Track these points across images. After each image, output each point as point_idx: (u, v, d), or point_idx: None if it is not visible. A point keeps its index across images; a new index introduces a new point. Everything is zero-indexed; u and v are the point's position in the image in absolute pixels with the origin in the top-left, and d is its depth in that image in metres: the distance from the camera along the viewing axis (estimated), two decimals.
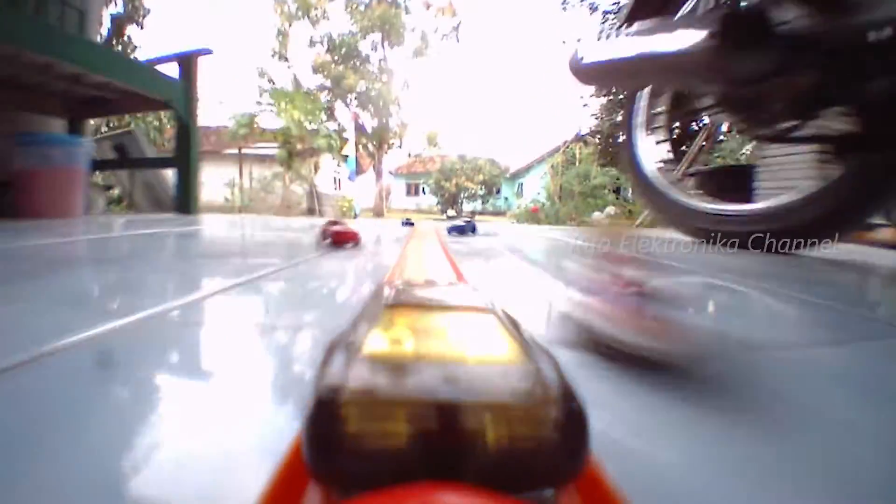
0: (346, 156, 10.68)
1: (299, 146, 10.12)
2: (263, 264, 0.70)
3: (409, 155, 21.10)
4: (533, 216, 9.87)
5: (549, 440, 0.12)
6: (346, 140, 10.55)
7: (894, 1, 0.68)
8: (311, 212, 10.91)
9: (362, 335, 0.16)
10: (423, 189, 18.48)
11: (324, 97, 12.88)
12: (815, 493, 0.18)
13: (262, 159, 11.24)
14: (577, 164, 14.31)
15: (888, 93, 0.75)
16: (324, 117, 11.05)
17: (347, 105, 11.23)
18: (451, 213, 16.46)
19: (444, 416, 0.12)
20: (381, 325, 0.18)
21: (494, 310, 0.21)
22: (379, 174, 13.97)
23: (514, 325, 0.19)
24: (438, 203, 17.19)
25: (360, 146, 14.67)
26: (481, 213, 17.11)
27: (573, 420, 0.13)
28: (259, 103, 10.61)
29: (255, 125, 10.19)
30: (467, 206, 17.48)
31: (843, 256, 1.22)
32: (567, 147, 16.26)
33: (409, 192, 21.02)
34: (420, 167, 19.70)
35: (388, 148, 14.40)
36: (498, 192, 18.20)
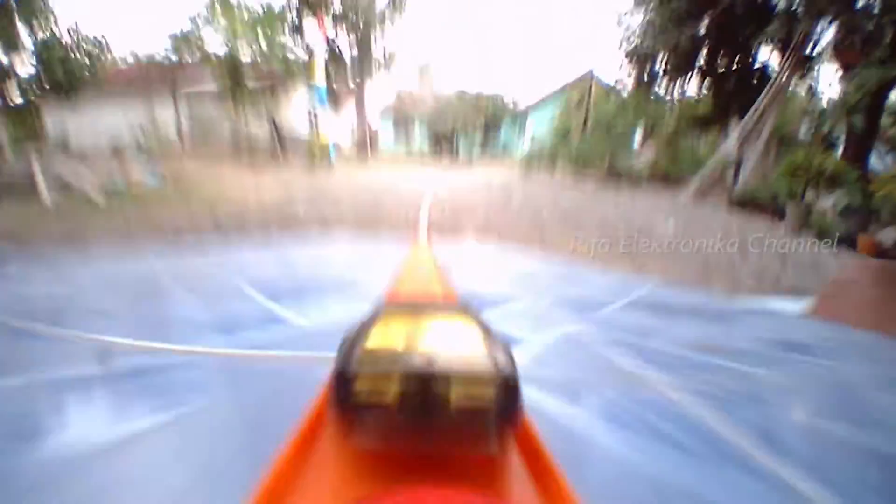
0: (314, 85, 8.64)
1: (251, 75, 8.02)
2: None
3: (399, 93, 18.49)
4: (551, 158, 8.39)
5: (492, 405, 0.20)
6: (315, 63, 8.38)
7: None
8: (273, 157, 9.16)
9: (366, 331, 0.24)
10: (415, 131, 16.20)
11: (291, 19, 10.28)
12: None
13: (207, 97, 8.98)
14: (589, 103, 12.33)
15: None
16: (285, 38, 8.66)
17: (319, 20, 8.74)
18: (444, 158, 14.61)
19: (420, 386, 0.19)
20: (381, 325, 0.26)
21: (471, 314, 0.28)
22: (361, 111, 11.82)
23: (483, 327, 0.26)
24: (431, 145, 15.24)
25: (338, 76, 12.31)
26: (479, 160, 15.29)
27: (510, 393, 0.20)
28: (194, 20, 7.95)
29: (198, 47, 7.87)
30: (464, 151, 15.53)
31: None
32: (581, 82, 14.04)
33: (398, 135, 18.69)
34: (411, 106, 17.14)
35: (372, 80, 12.09)
36: (497, 135, 16.05)
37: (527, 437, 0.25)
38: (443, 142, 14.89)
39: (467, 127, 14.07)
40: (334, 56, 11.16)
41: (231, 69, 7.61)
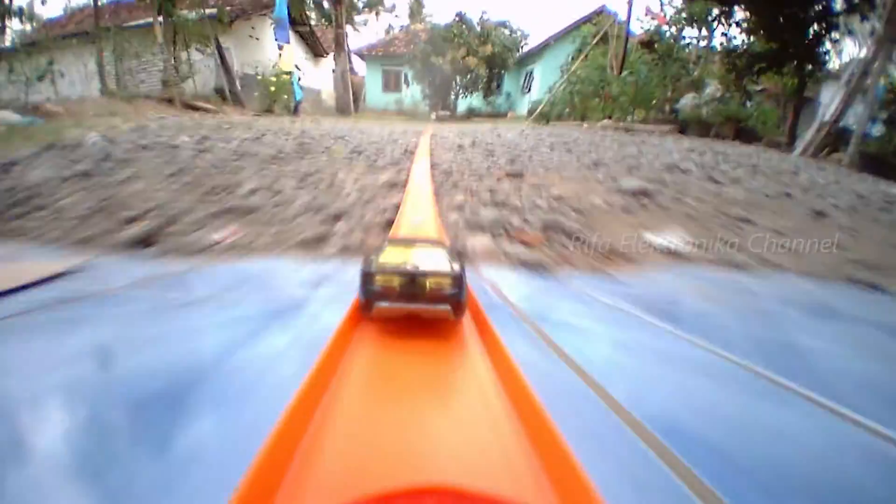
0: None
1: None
2: None
3: (388, 37, 15.93)
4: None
5: (451, 287, 0.42)
6: None
7: None
8: (222, 97, 7.48)
9: (379, 253, 0.47)
10: (406, 79, 13.99)
11: None
12: None
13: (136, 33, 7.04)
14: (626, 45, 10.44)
15: None
16: None
17: None
18: (440, 112, 12.73)
19: (412, 279, 0.41)
20: (388, 249, 0.48)
21: (445, 245, 0.53)
22: (341, 54, 9.83)
23: (453, 251, 0.51)
24: (425, 98, 13.16)
25: (312, 2, 10.13)
26: (480, 115, 13.43)
27: (460, 284, 0.42)
28: None
29: None
30: (464, 103, 13.59)
31: None
32: (594, 20, 11.93)
33: (386, 86, 16.49)
34: (401, 47, 14.78)
35: (352, 11, 9.94)
36: (499, 85, 13.87)
37: (475, 309, 0.49)
38: (439, 91, 12.65)
39: (470, 62, 11.57)
40: None
41: None
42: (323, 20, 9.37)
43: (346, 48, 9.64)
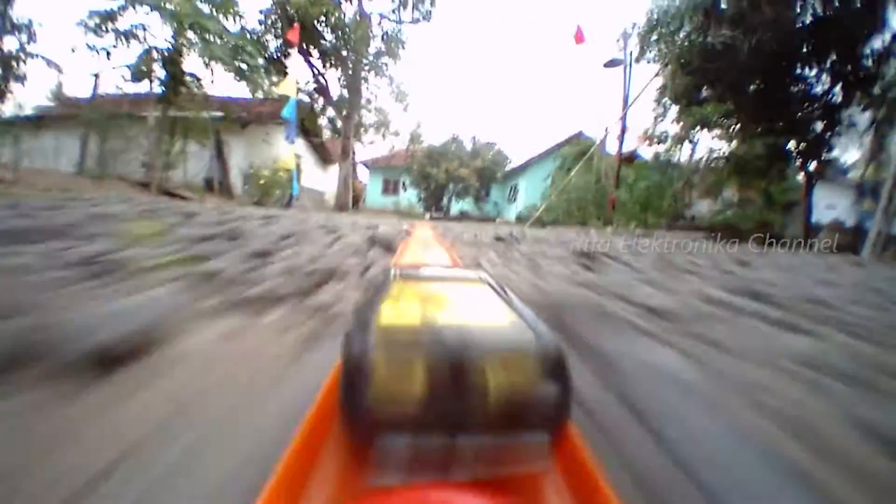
0: (285, 97, 7.56)
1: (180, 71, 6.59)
2: None
3: (391, 149, 18.21)
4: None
5: (539, 389, 0.16)
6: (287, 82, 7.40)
7: None
8: (209, 187, 7.73)
9: (378, 304, 0.20)
10: (404, 185, 15.35)
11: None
12: None
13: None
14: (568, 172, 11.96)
15: None
16: (229, 26, 7.41)
17: (292, 32, 7.72)
18: (434, 213, 13.56)
19: (451, 373, 0.15)
20: (393, 296, 0.22)
21: (485, 279, 0.26)
22: (346, 158, 10.89)
23: (502, 290, 0.24)
24: (420, 199, 14.22)
25: (326, 118, 11.62)
26: (470, 218, 14.35)
27: (559, 372, 0.16)
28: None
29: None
30: (456, 207, 14.67)
31: None
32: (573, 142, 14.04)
33: (386, 189, 18.00)
34: (400, 161, 16.69)
35: (361, 130, 11.39)
36: (487, 193, 15.32)
37: (570, 448, 0.19)
38: (433, 195, 13.75)
39: (462, 173, 12.78)
40: (321, 89, 10.44)
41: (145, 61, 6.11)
42: (334, 133, 10.67)
43: (350, 156, 10.73)
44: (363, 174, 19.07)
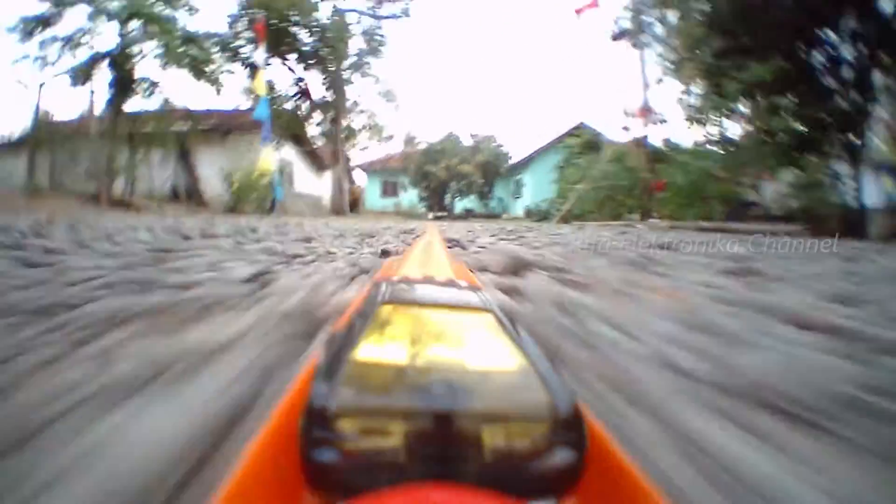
0: (256, 95, 6.90)
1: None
2: None
3: (387, 154, 17.59)
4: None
5: (547, 451, 0.13)
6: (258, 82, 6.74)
7: None
8: (175, 196, 7.15)
9: (357, 336, 0.17)
10: (404, 186, 14.59)
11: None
12: None
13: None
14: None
15: None
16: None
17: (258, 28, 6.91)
18: (437, 213, 12.87)
19: (438, 428, 0.12)
20: (377, 326, 0.18)
21: (492, 308, 0.21)
22: (338, 162, 10.22)
23: (511, 325, 0.20)
24: (421, 199, 13.51)
25: (314, 124, 11.00)
26: (475, 216, 13.61)
27: (572, 430, 0.13)
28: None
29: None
30: (459, 205, 13.92)
31: None
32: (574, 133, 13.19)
33: (384, 192, 17.36)
34: (398, 163, 16.01)
35: (351, 133, 10.73)
36: (491, 189, 14.44)
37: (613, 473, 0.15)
38: (435, 193, 12.99)
39: (463, 169, 11.92)
40: (303, 93, 9.81)
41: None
42: (325, 139, 10.02)
43: (342, 160, 10.06)
44: (361, 178, 18.56)
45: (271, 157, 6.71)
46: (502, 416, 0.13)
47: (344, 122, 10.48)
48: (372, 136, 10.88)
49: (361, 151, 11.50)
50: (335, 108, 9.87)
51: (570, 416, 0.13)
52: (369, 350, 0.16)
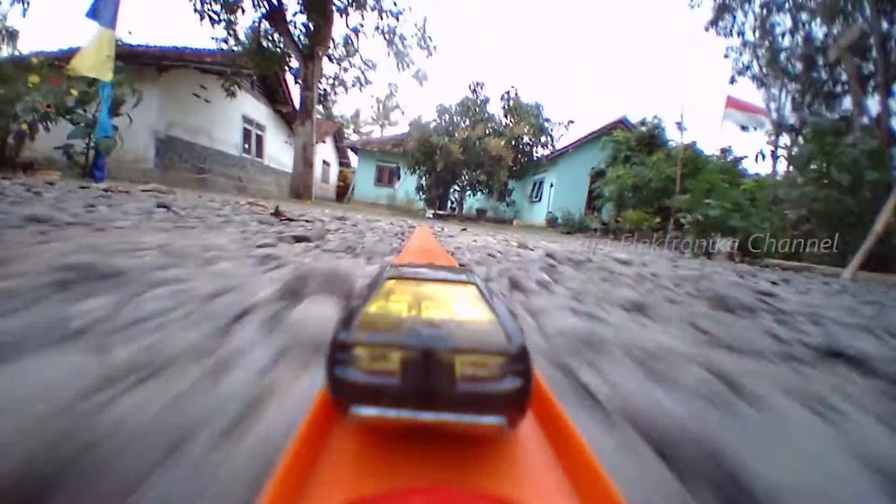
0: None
1: None
2: None
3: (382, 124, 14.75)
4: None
5: (505, 373, 0.18)
6: None
7: None
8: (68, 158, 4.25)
9: (367, 300, 0.23)
10: (404, 172, 11.68)
11: None
12: None
13: None
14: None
15: None
16: None
17: None
18: (439, 211, 10.14)
19: (424, 357, 0.18)
20: (382, 294, 0.25)
21: (476, 282, 0.28)
22: (307, 118, 7.33)
23: (489, 294, 0.26)
24: (422, 189, 10.62)
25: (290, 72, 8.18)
26: (489, 219, 10.92)
27: (520, 367, 0.19)
28: None
29: None
30: (469, 203, 11.17)
31: None
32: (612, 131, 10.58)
33: (379, 180, 14.64)
34: (398, 147, 13.20)
35: (332, 84, 7.93)
36: (506, 189, 11.61)
37: (547, 412, 0.23)
38: (438, 182, 9.99)
39: (493, 146, 8.54)
40: (274, 14, 6.98)
41: None
42: (299, 82, 7.27)
43: (312, 116, 7.27)
44: (353, 166, 15.72)
45: (103, 48, 3.75)
46: (469, 350, 0.19)
47: (325, 64, 7.66)
48: (373, 108, 8.08)
49: (364, 128, 8.66)
50: (312, 39, 7.05)
51: (518, 352, 0.19)
52: (376, 308, 0.22)
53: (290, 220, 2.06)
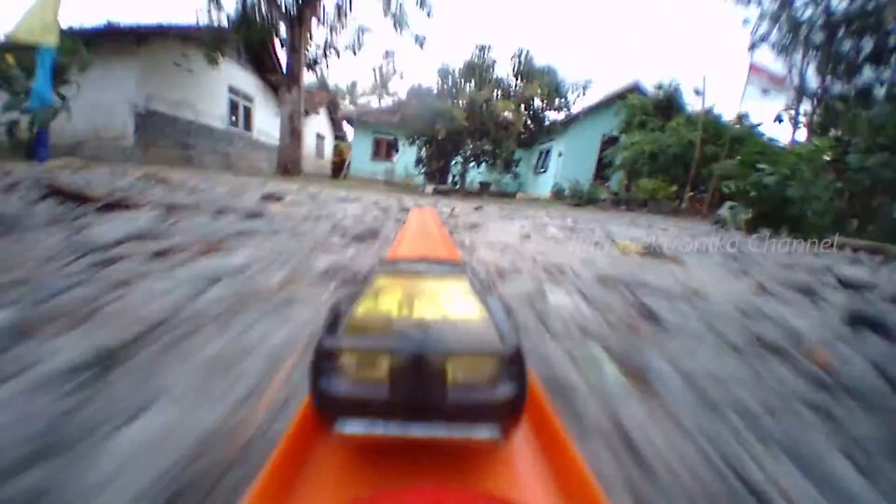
0: None
1: None
2: None
3: (380, 94, 14.00)
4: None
5: (498, 379, 0.17)
6: None
7: None
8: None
9: (356, 299, 0.22)
10: (404, 143, 11.00)
11: None
12: None
13: None
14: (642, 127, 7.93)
15: None
16: None
17: None
18: (439, 185, 9.65)
19: (413, 363, 0.17)
20: (372, 291, 0.23)
21: (467, 276, 0.27)
22: (294, 84, 6.70)
23: (481, 288, 0.25)
24: (419, 162, 10.05)
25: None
26: (491, 192, 10.43)
27: (515, 370, 0.18)
28: None
29: None
30: (471, 175, 10.62)
31: None
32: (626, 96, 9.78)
33: (376, 153, 14.02)
34: (396, 118, 12.43)
35: (324, 49, 7.26)
36: (512, 160, 10.88)
37: (540, 418, 0.22)
38: (438, 154, 9.37)
39: (503, 108, 7.71)
40: None
41: None
42: (282, 45, 6.57)
43: (301, 82, 6.67)
44: (348, 137, 14.95)
45: (46, 13, 3.18)
46: (461, 353, 0.17)
47: (315, 28, 6.97)
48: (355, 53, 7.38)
49: (360, 98, 8.00)
50: (299, 5, 6.34)
51: (512, 354, 0.18)
52: (365, 308, 0.21)
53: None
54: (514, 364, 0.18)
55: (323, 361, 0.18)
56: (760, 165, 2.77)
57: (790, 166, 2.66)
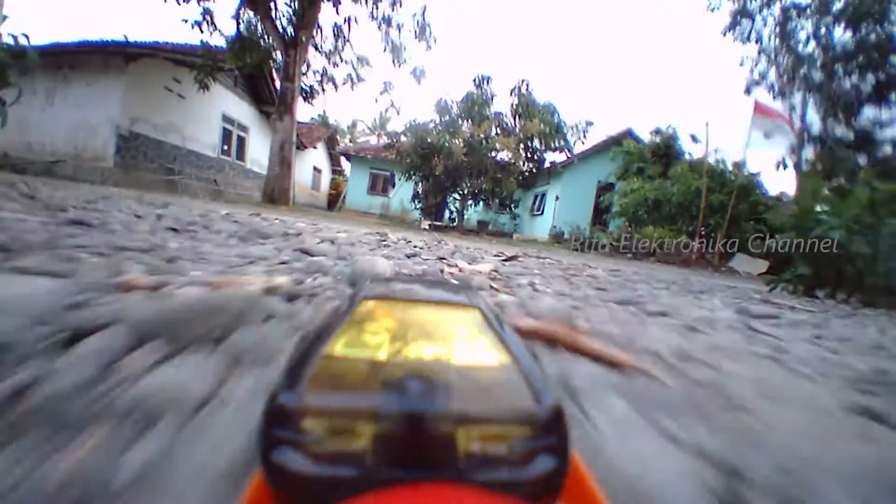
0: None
1: None
2: None
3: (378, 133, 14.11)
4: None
5: (526, 457, 0.12)
6: None
7: None
8: None
9: (332, 332, 0.16)
10: (400, 180, 10.76)
11: None
12: None
13: None
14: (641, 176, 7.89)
15: None
16: None
17: None
18: (436, 222, 9.30)
19: (409, 429, 0.12)
20: (355, 321, 0.17)
21: (478, 305, 0.20)
22: (287, 112, 6.48)
23: (497, 322, 0.18)
24: (417, 198, 9.70)
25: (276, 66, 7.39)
26: (491, 233, 10.10)
27: (553, 439, 0.12)
28: None
29: None
30: (469, 213, 10.31)
31: None
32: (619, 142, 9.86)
33: (373, 187, 13.85)
34: (392, 153, 12.39)
35: (321, 79, 7.19)
36: (510, 201, 10.67)
37: (581, 499, 0.14)
38: (436, 190, 9.09)
39: (503, 144, 7.48)
40: (258, 8, 6.29)
41: None
42: (278, 73, 6.44)
43: (294, 111, 6.46)
44: (345, 174, 14.88)
45: None
46: (479, 417, 0.12)
47: (312, 56, 6.90)
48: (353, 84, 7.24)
49: (360, 137, 7.91)
50: (296, 25, 6.29)
51: (550, 419, 0.12)
52: (344, 346, 0.15)
53: None
54: (552, 431, 0.12)
55: (278, 426, 0.12)
56: (822, 217, 2.40)
57: (852, 217, 2.31)
